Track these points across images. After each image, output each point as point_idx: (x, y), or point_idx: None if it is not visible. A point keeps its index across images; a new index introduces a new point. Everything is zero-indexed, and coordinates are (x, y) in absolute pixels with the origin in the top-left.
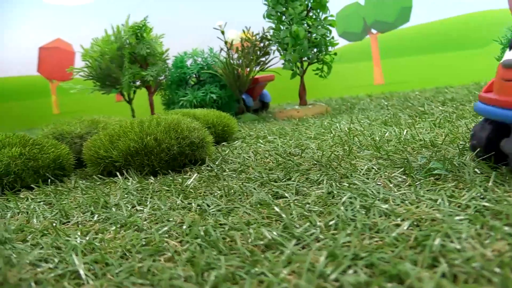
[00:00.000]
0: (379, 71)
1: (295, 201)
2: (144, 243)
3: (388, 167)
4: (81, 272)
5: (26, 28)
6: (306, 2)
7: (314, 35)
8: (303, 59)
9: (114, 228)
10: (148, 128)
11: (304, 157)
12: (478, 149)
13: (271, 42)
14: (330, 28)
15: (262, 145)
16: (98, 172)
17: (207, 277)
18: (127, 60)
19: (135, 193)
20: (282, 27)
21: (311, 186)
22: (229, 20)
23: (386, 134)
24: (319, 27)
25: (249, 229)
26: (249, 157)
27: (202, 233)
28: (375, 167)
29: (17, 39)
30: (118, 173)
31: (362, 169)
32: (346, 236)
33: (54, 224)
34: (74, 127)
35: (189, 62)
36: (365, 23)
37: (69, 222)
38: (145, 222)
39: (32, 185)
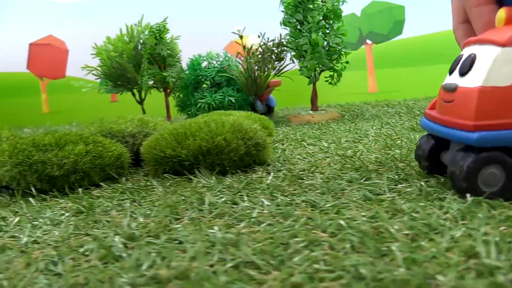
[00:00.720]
0: (373, 80)
1: (394, 198)
2: (285, 235)
3: None
4: (257, 262)
5: (16, 23)
6: (324, 12)
7: (330, 43)
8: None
9: (243, 224)
10: (216, 128)
11: (362, 159)
12: (421, 160)
13: (287, 48)
14: (342, 37)
15: (310, 147)
16: (162, 172)
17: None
18: (146, 61)
19: (224, 190)
20: (300, 35)
21: (397, 185)
22: (231, 25)
23: None
24: (334, 36)
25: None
26: (304, 158)
27: (344, 224)
28: None
29: (6, 34)
30: (186, 172)
31: None
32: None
33: (168, 222)
34: (124, 125)
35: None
36: (361, 33)
37: (182, 218)
38: (268, 217)
39: (99, 183)
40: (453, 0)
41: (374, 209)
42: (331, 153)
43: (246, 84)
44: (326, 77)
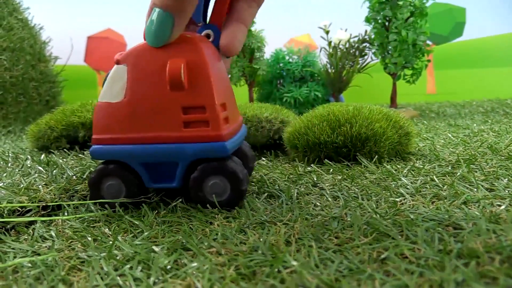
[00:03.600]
0: (432, 81)
1: None
2: None
3: None
4: None
5: (75, 16)
6: (411, 9)
7: (417, 41)
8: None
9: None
10: (371, 115)
11: (487, 153)
12: None
13: (371, 44)
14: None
15: (439, 140)
16: (313, 158)
17: None
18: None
19: (409, 176)
20: (386, 32)
21: None
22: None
23: None
24: (419, 34)
25: None
26: (443, 150)
27: None
28: None
29: (65, 27)
30: (342, 159)
31: None
32: None
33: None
34: (259, 111)
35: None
36: None
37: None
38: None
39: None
40: None
41: None
42: (469, 146)
43: (331, 79)
44: (406, 75)
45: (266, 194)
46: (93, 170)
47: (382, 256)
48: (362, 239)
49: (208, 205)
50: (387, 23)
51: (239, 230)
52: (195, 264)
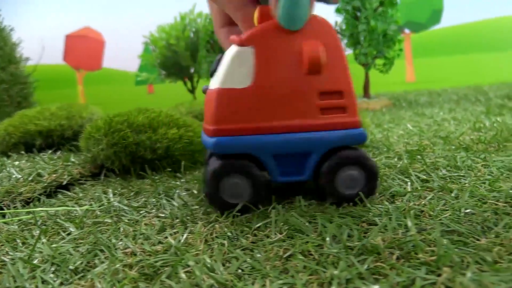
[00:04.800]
0: (411, 69)
1: None
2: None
3: None
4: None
5: (53, 15)
6: None
7: (387, 30)
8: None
9: None
10: None
11: (439, 143)
12: None
13: (342, 35)
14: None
15: (396, 131)
16: None
17: None
18: (204, 48)
19: None
20: (356, 22)
21: None
22: None
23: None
24: (390, 23)
25: None
26: (398, 140)
27: None
28: None
29: (42, 26)
30: None
31: None
32: None
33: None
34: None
35: None
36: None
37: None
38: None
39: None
40: (211, 5)
41: None
42: (424, 135)
43: None
44: (378, 65)
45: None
46: (205, 166)
47: (287, 254)
48: (277, 236)
49: (335, 199)
50: (358, 13)
51: (162, 229)
52: (104, 265)
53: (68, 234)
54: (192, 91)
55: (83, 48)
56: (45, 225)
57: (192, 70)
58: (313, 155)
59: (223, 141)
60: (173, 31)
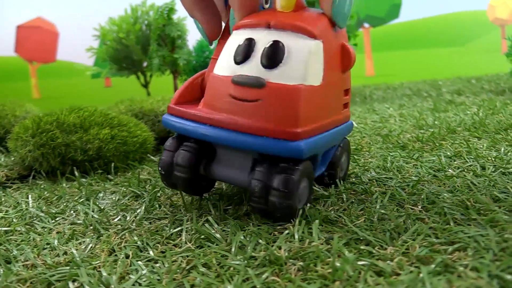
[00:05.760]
0: (370, 63)
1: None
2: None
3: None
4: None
5: (2, 4)
6: None
7: None
8: None
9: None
10: None
11: (402, 137)
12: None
13: None
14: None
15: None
16: None
17: None
18: (155, 42)
19: None
20: None
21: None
22: None
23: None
24: None
25: None
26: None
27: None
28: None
29: None
30: None
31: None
32: None
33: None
34: (156, 104)
35: None
36: (358, 17)
37: None
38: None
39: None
40: None
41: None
42: (367, 133)
43: None
44: None
45: (131, 195)
46: (288, 171)
47: (190, 265)
48: (186, 245)
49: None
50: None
51: (72, 238)
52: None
53: None
54: (145, 85)
55: (36, 39)
56: None
57: (145, 64)
58: (334, 148)
59: (310, 143)
60: (124, 24)
